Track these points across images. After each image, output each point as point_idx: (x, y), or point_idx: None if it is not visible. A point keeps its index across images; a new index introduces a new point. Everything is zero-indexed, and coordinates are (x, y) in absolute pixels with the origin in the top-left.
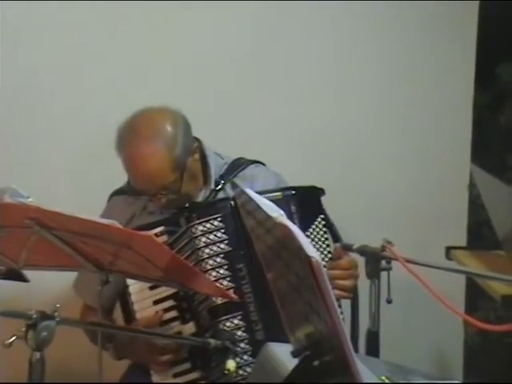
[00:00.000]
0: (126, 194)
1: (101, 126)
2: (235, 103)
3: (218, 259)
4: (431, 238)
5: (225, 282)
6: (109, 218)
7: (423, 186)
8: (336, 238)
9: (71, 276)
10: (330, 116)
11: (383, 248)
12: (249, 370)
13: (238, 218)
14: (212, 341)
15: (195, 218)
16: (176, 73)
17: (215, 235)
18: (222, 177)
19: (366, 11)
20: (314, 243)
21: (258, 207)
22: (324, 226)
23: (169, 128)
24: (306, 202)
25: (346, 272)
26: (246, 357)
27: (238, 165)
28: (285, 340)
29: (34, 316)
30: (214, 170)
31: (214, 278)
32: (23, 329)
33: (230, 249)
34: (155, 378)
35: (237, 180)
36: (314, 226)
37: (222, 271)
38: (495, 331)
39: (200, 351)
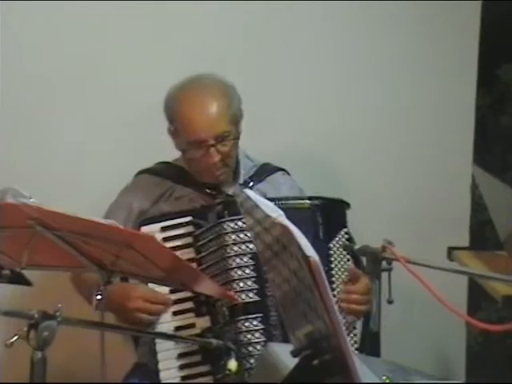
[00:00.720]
0: (154, 174)
1: (101, 126)
2: None
3: (245, 259)
4: (433, 239)
5: (249, 283)
6: (134, 195)
7: (425, 186)
8: (356, 255)
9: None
10: (332, 117)
11: (384, 248)
12: None
13: None
14: (214, 341)
15: (227, 215)
16: (176, 75)
17: (245, 234)
18: (251, 178)
19: (367, 12)
20: (335, 256)
21: (257, 207)
22: (346, 239)
23: (228, 87)
24: (331, 214)
25: (362, 297)
26: None
27: (266, 169)
28: None
29: (36, 316)
30: (244, 171)
31: (238, 277)
32: (25, 328)
33: None
34: (163, 374)
35: (264, 184)
36: (337, 239)
37: (247, 271)
38: (496, 331)
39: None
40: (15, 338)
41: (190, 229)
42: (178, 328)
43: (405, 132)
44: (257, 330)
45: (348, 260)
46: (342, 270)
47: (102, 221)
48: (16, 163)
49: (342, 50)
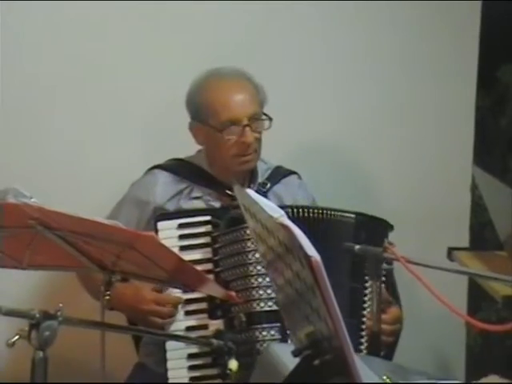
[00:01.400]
0: (170, 171)
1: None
2: None
3: None
4: (433, 239)
5: (268, 291)
6: (149, 191)
7: (426, 187)
8: (391, 280)
9: (74, 275)
10: (332, 118)
11: (385, 249)
12: None
13: None
14: (214, 341)
15: None
16: (176, 76)
17: None
18: (267, 179)
19: (366, 12)
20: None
21: (260, 208)
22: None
23: (250, 75)
24: (374, 233)
25: (390, 328)
26: None
27: (280, 172)
28: None
29: (37, 315)
30: (260, 173)
31: (257, 285)
32: (26, 328)
33: None
34: (171, 374)
35: (280, 186)
36: None
37: (267, 279)
38: (495, 331)
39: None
40: (16, 337)
41: (208, 228)
42: (189, 328)
43: (405, 133)
44: (274, 340)
45: (382, 282)
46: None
47: (104, 221)
48: (16, 163)
49: (341, 51)
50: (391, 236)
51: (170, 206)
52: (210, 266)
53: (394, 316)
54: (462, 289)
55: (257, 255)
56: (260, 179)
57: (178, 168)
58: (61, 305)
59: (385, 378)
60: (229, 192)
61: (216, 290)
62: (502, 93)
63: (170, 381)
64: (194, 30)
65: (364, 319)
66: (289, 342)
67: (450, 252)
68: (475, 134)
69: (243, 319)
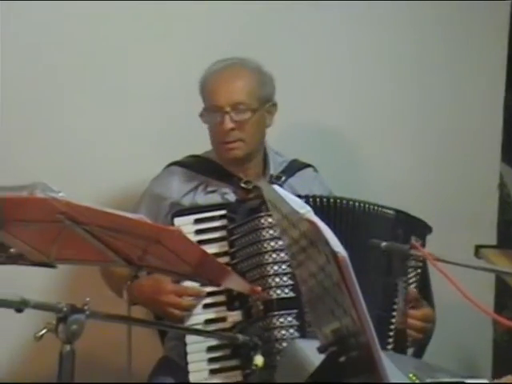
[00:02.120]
0: (186, 167)
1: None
2: None
3: (282, 254)
4: (461, 237)
5: (285, 278)
6: (166, 187)
7: (454, 185)
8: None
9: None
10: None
11: (411, 246)
12: None
13: None
14: (240, 336)
15: (264, 209)
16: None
17: None
18: (282, 172)
19: (393, 11)
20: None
21: (285, 202)
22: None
23: (261, 71)
24: (412, 232)
25: (420, 324)
26: None
27: (296, 164)
28: None
29: (65, 309)
30: (273, 166)
31: (273, 272)
32: (54, 322)
33: None
34: (191, 367)
35: (295, 179)
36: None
37: (283, 266)
38: None
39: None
40: (44, 331)
41: (224, 222)
42: (208, 321)
43: (434, 131)
44: (291, 326)
45: (416, 281)
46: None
47: (130, 215)
48: (34, 162)
49: (365, 47)
50: None
51: (186, 201)
52: (226, 259)
53: (425, 314)
54: (489, 286)
55: (272, 243)
56: (274, 172)
57: (194, 164)
58: (88, 299)
59: (411, 375)
60: (243, 185)
61: (240, 285)
62: None
63: (190, 374)
64: (207, 20)
65: (394, 314)
66: (307, 329)
67: (478, 250)
68: (503, 132)
69: (260, 307)
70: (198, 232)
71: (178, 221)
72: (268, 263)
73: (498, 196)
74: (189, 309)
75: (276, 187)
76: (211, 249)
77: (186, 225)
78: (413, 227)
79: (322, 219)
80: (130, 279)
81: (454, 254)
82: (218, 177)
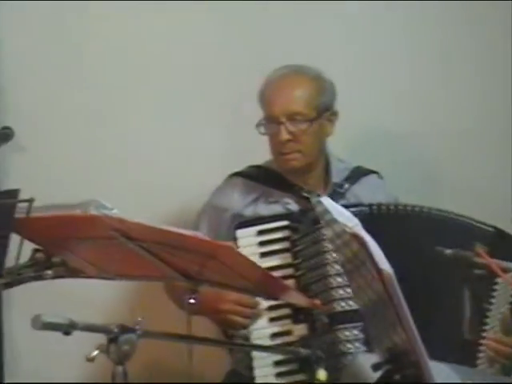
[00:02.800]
0: (248, 177)
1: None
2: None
3: None
4: None
5: (349, 290)
6: (229, 198)
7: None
8: None
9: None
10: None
11: (476, 254)
12: None
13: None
14: (302, 350)
15: None
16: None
17: None
18: (346, 180)
19: (451, 10)
20: (500, 292)
21: (334, 219)
22: None
23: (320, 79)
24: (503, 250)
25: (508, 350)
26: None
27: (359, 171)
28: None
29: (115, 330)
30: (336, 174)
31: (337, 285)
32: (105, 342)
33: None
34: (259, 381)
35: (359, 186)
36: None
37: (346, 278)
38: None
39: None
40: (96, 352)
41: (286, 233)
42: (274, 335)
43: (479, 131)
44: (357, 340)
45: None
46: (501, 311)
47: (183, 231)
48: (93, 177)
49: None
50: None
51: (248, 212)
52: (290, 271)
53: None
54: None
55: (334, 254)
56: (337, 179)
57: (256, 174)
58: (140, 318)
59: None
60: (305, 195)
61: (299, 299)
62: None
63: None
64: (267, 25)
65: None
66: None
67: None
68: None
69: (325, 321)
70: (262, 243)
71: (240, 233)
72: (331, 275)
73: None
74: (248, 317)
75: (325, 200)
76: (275, 260)
77: (248, 237)
78: (503, 244)
79: (383, 228)
80: (189, 294)
81: None
82: (280, 187)
